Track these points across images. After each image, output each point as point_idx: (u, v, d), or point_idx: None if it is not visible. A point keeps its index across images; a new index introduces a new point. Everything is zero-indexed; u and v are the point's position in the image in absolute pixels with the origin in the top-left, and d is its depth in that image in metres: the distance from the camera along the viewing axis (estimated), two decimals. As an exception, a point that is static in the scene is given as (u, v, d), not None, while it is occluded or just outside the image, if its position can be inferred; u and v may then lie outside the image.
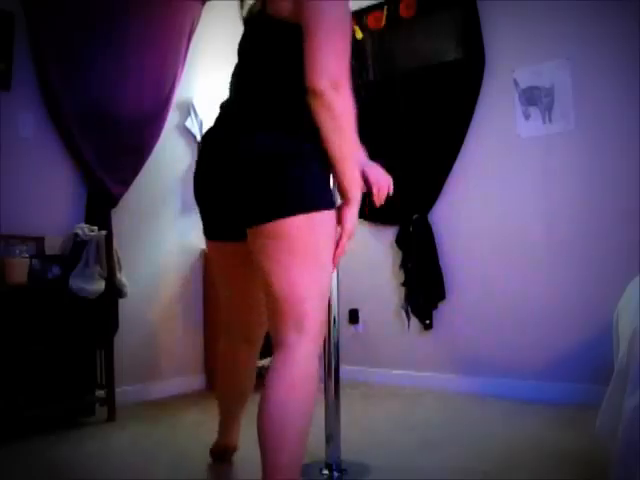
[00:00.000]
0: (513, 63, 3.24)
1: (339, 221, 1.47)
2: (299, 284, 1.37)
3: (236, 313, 1.76)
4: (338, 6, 1.32)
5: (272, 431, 1.35)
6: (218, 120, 1.53)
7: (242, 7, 1.51)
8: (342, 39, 1.31)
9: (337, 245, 1.46)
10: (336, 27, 1.30)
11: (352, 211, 1.46)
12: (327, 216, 1.39)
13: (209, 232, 1.62)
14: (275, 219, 1.32)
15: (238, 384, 1.93)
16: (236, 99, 1.50)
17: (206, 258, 3.63)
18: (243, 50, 1.51)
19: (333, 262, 1.46)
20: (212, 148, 1.47)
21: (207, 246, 1.70)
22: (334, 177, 1.44)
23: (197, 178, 1.56)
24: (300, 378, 1.38)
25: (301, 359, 1.39)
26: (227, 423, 2.07)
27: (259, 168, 1.33)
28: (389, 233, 3.65)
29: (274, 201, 1.33)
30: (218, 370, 1.96)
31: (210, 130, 1.54)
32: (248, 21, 1.50)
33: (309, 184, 1.36)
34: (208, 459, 2.14)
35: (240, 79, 1.50)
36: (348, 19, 1.38)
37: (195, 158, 3.86)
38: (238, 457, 2.16)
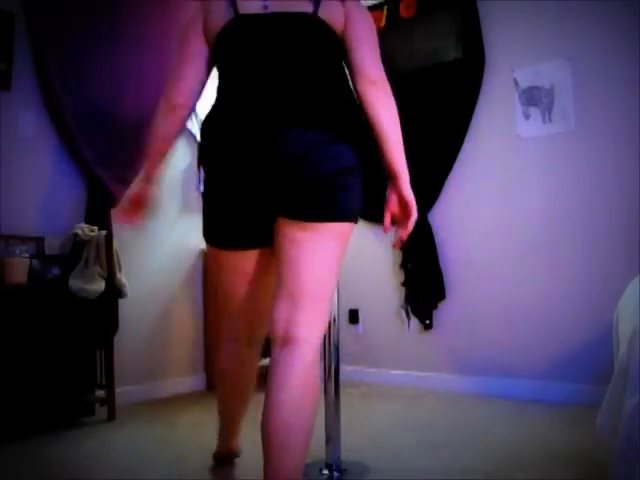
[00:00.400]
0: (513, 63, 3.24)
1: (400, 199, 1.61)
2: (323, 282, 1.48)
3: (243, 315, 1.76)
4: (372, 20, 1.62)
5: (276, 433, 1.37)
6: (244, 112, 1.47)
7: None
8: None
9: (406, 225, 1.65)
10: (376, 35, 1.61)
11: (408, 186, 1.58)
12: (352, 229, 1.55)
13: (226, 241, 1.60)
14: (332, 221, 1.47)
15: (244, 387, 1.91)
16: (275, 94, 1.47)
17: (206, 258, 3.63)
18: (268, 48, 1.50)
19: (398, 244, 1.68)
20: (252, 143, 1.44)
21: (217, 255, 1.66)
22: (388, 160, 1.56)
23: (227, 176, 1.50)
24: (308, 380, 1.41)
25: (309, 360, 1.43)
26: (229, 428, 2.02)
27: (331, 177, 1.45)
28: (389, 233, 3.64)
29: (336, 205, 1.46)
30: (222, 375, 1.90)
31: (234, 123, 1.48)
32: (281, 18, 1.50)
33: (358, 198, 1.54)
34: (209, 460, 2.14)
35: (270, 80, 1.49)
36: None
37: (194, 158, 3.84)
38: (240, 458, 2.16)
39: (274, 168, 1.42)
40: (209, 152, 1.55)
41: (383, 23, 3.66)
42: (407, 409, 2.98)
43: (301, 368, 1.41)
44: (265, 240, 1.55)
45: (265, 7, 1.49)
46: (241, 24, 1.50)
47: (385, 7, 3.65)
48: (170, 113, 1.63)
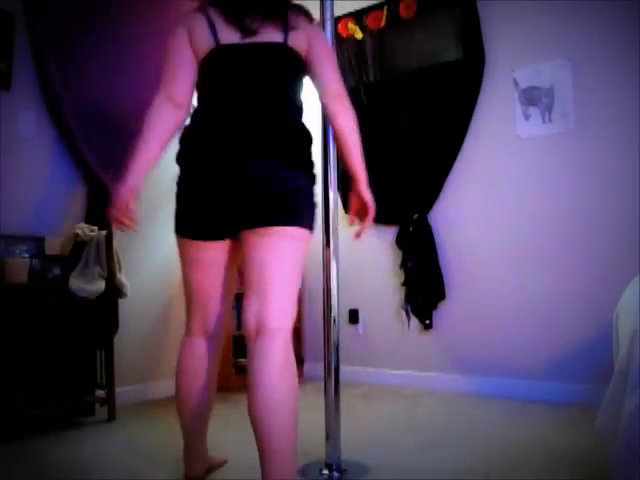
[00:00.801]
0: (513, 63, 3.24)
1: (358, 198, 1.80)
2: (286, 277, 1.67)
3: (203, 308, 1.83)
4: (329, 41, 1.97)
5: (265, 415, 1.51)
6: (225, 137, 1.69)
7: (241, 29, 1.70)
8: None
9: (367, 220, 1.83)
10: (334, 55, 1.88)
11: (366, 187, 1.78)
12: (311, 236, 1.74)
13: (197, 233, 1.79)
14: (287, 225, 1.66)
15: (201, 388, 1.82)
16: (248, 121, 1.69)
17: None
18: (248, 72, 1.71)
19: (359, 236, 1.84)
20: (224, 166, 1.67)
21: (186, 245, 1.85)
22: (349, 163, 1.77)
23: (200, 184, 1.75)
24: (285, 361, 1.56)
25: (283, 344, 1.59)
26: (192, 447, 1.90)
27: (289, 195, 1.67)
28: (389, 233, 3.65)
29: (289, 213, 1.67)
30: (179, 375, 1.84)
31: (213, 143, 1.70)
32: (257, 48, 1.71)
33: (310, 211, 1.75)
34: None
35: (250, 101, 1.71)
36: None
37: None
38: (237, 457, 2.16)
39: (239, 188, 1.65)
40: (185, 160, 1.81)
41: (383, 23, 3.66)
42: (407, 409, 2.98)
43: (276, 350, 1.56)
44: (227, 233, 1.74)
45: (242, 37, 1.69)
46: (222, 53, 1.70)
47: (385, 7, 3.65)
48: (174, 110, 1.73)
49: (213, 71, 1.73)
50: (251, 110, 1.69)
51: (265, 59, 1.72)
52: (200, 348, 1.82)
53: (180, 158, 1.83)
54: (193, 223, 1.80)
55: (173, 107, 1.72)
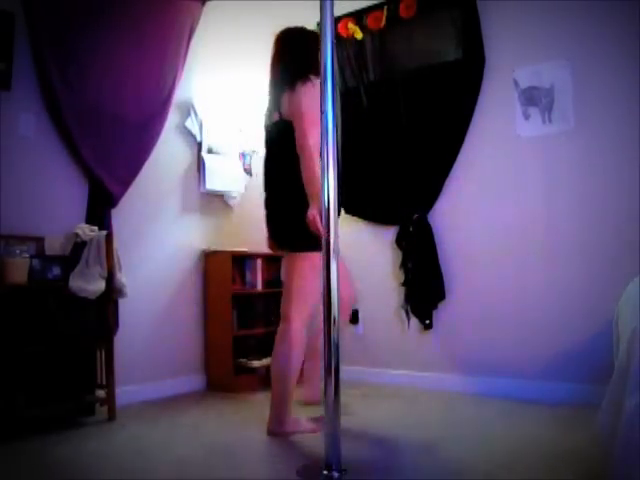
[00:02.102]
0: (513, 63, 3.25)
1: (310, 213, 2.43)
2: (301, 286, 2.56)
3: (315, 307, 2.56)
4: (299, 97, 2.50)
5: (274, 370, 2.52)
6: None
7: (266, 118, 2.68)
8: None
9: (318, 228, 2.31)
10: (301, 110, 2.45)
11: (312, 208, 2.40)
12: (313, 256, 2.41)
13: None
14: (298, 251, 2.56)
15: (302, 359, 2.61)
16: (271, 186, 2.67)
17: (206, 258, 3.64)
18: (271, 146, 2.67)
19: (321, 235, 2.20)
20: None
21: (317, 258, 2.19)
22: (308, 193, 2.43)
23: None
24: (293, 340, 2.49)
25: (295, 328, 2.51)
26: (289, 400, 2.54)
27: (295, 230, 2.52)
28: (389, 233, 3.65)
29: (297, 242, 2.54)
30: (294, 353, 2.50)
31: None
32: (271, 126, 2.65)
33: (311, 240, 2.40)
34: (209, 460, 2.14)
35: (272, 169, 2.66)
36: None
37: (194, 158, 3.89)
38: (237, 456, 2.16)
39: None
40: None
41: (383, 23, 3.67)
42: (407, 409, 2.98)
43: (288, 332, 2.51)
44: None
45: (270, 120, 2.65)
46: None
47: (385, 7, 3.65)
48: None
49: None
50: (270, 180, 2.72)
51: (274, 136, 2.66)
52: (303, 335, 2.55)
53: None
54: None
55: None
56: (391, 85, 3.64)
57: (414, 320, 3.53)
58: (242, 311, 3.60)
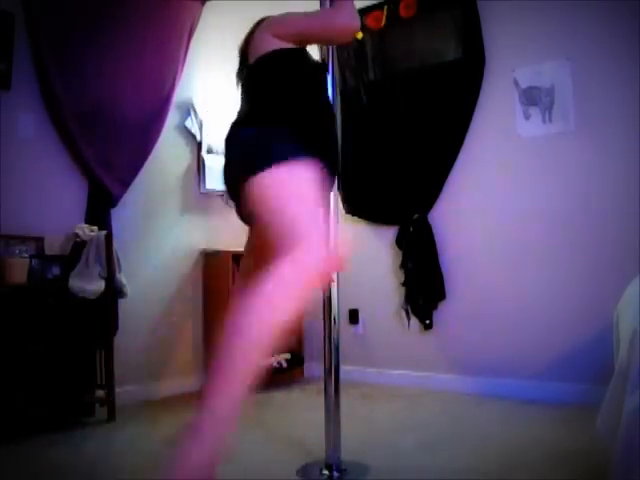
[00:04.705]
0: (513, 63, 3.24)
1: None
2: (298, 213, 1.53)
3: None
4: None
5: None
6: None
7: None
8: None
9: None
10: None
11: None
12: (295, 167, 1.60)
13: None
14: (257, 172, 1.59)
15: None
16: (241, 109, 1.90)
17: (206, 258, 3.63)
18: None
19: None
20: (227, 140, 1.80)
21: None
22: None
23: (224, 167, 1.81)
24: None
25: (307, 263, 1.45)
26: None
27: (248, 145, 1.69)
28: (389, 233, 3.65)
29: (256, 161, 1.61)
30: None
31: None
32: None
33: (276, 150, 1.63)
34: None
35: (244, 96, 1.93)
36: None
37: (194, 158, 3.89)
38: (237, 456, 2.16)
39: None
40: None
41: (383, 23, 3.66)
42: (407, 409, 2.98)
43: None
44: None
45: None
46: None
47: (385, 7, 3.65)
48: None
49: None
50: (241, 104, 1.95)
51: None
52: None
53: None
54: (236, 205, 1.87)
55: None
56: (391, 85, 3.64)
57: (414, 320, 3.53)
58: (242, 311, 3.59)
